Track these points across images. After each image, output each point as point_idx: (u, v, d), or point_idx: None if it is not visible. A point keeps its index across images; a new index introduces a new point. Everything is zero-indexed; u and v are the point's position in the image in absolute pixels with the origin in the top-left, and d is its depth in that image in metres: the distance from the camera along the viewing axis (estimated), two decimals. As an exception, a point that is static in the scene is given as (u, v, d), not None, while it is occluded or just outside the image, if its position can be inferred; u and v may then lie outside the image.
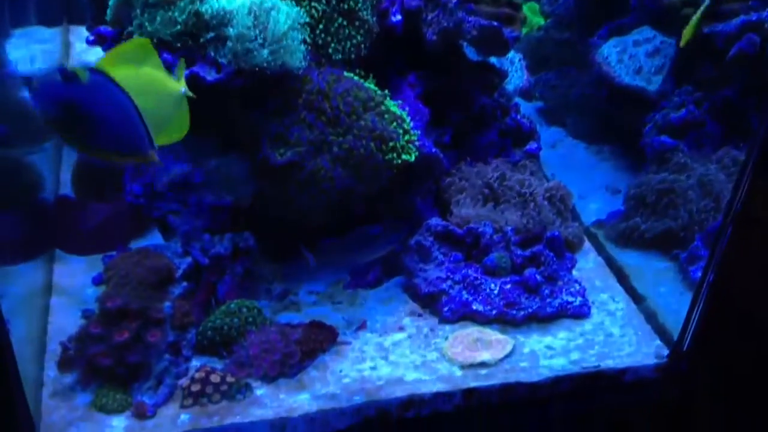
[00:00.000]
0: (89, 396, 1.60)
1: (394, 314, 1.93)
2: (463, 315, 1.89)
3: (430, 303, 1.93)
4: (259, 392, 1.65)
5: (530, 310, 1.88)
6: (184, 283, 1.75)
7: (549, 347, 1.83)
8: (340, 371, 1.73)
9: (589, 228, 2.25)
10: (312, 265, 1.84)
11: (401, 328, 1.88)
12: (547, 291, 1.91)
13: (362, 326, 1.88)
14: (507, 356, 1.78)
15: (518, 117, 2.33)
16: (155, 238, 1.99)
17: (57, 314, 1.90)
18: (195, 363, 1.71)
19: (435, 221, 2.00)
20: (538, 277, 1.91)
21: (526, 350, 1.81)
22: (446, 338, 1.83)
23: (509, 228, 1.98)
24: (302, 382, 1.69)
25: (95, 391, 1.59)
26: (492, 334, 1.84)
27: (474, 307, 1.88)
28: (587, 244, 2.20)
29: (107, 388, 1.59)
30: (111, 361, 1.57)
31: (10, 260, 1.86)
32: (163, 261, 1.73)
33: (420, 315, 1.93)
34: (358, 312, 1.94)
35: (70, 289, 2.01)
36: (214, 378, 1.62)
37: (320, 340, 1.75)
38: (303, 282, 2.03)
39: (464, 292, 1.90)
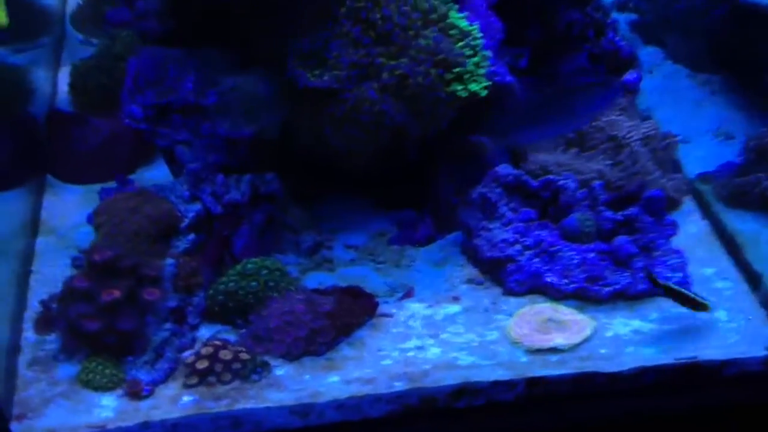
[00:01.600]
0: (75, 367, 1.50)
1: (447, 281, 1.80)
2: (533, 287, 1.75)
3: (493, 270, 1.79)
4: (279, 372, 1.55)
5: (618, 287, 1.71)
6: (192, 236, 1.63)
7: (637, 332, 1.67)
8: (379, 350, 1.61)
9: (692, 182, 2.02)
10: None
11: (456, 299, 1.76)
12: (639, 264, 1.73)
13: (408, 294, 1.76)
14: (585, 341, 1.64)
15: (616, 38, 2.03)
16: (165, 168, 1.86)
17: (43, 260, 1.75)
18: (203, 333, 1.62)
19: (504, 168, 1.83)
20: (631, 247, 1.73)
21: (608, 334, 1.66)
22: (511, 315, 1.70)
23: (597, 183, 1.80)
24: (332, 362, 1.58)
25: (82, 363, 1.49)
26: (568, 312, 1.70)
27: (547, 279, 1.73)
28: (689, 202, 1.99)
29: (95, 360, 1.48)
30: (99, 326, 1.47)
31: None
32: (166, 207, 1.57)
33: (480, 283, 1.79)
34: (404, 276, 1.81)
35: (61, 227, 1.86)
36: (225, 354, 1.51)
37: (356, 314, 1.62)
38: (339, 233, 1.90)
39: (536, 260, 1.75)
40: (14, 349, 1.50)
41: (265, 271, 1.61)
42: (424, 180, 1.88)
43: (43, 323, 1.50)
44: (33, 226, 1.82)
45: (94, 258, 1.44)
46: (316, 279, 1.76)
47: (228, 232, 1.66)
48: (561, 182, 1.80)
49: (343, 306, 1.60)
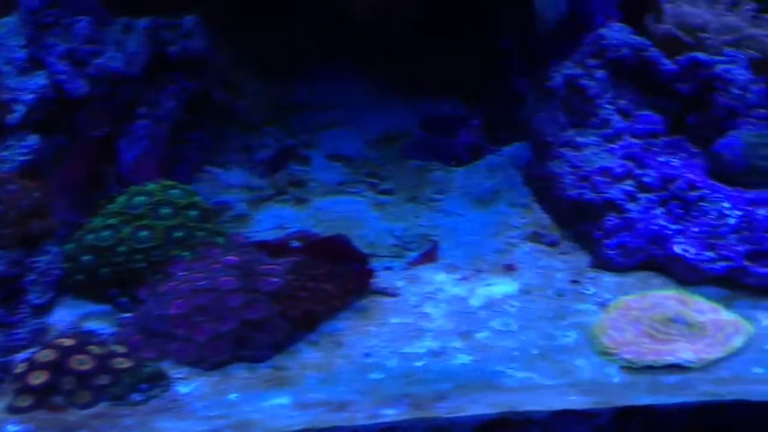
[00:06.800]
0: None
1: (498, 233, 1.51)
2: (649, 260, 1.44)
3: (580, 221, 1.49)
4: (183, 389, 1.23)
5: None
6: (33, 139, 1.24)
7: None
8: (366, 355, 1.30)
9: None
10: None
11: (510, 269, 1.45)
12: None
13: (429, 256, 1.44)
14: (730, 355, 1.35)
15: None
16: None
17: None
18: (60, 318, 1.29)
19: (616, 32, 1.48)
20: None
21: None
22: (603, 306, 1.42)
23: None
24: (281, 374, 1.27)
25: None
26: (706, 308, 1.39)
27: (676, 249, 1.40)
28: None
29: None
30: None
31: None
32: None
33: (553, 243, 1.50)
34: (426, 219, 1.51)
35: None
36: (80, 361, 1.14)
37: (330, 293, 1.25)
38: (323, 133, 1.56)
39: (659, 212, 1.43)
40: None
41: (166, 209, 1.25)
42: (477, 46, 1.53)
43: None
44: None
45: None
46: (276, 216, 1.46)
47: (105, 131, 1.27)
48: (721, 69, 1.42)
49: (305, 277, 1.26)
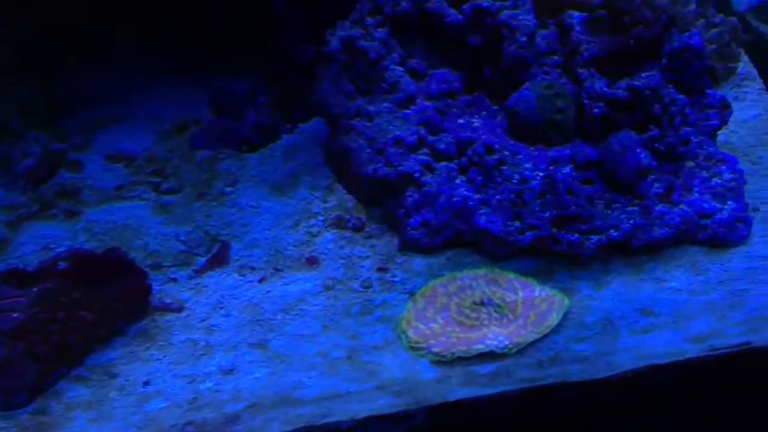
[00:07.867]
0: None
1: (296, 222, 1.38)
2: (455, 237, 1.33)
3: (384, 197, 1.37)
4: None
5: (614, 234, 1.30)
6: None
7: (645, 309, 1.32)
8: (146, 382, 1.17)
9: (745, 16, 1.78)
10: None
11: (313, 263, 1.32)
12: (660, 188, 1.34)
13: (218, 258, 1.31)
14: (546, 335, 1.28)
15: None
16: None
17: None
18: None
19: None
20: (643, 154, 1.32)
21: (591, 317, 1.30)
22: (411, 295, 1.31)
23: (578, 17, 1.37)
24: (42, 417, 1.12)
25: None
26: (520, 286, 1.31)
27: (481, 222, 1.28)
28: (745, 61, 1.72)
29: None
30: None
31: None
32: None
33: (357, 228, 1.37)
34: (214, 215, 1.36)
35: None
36: None
37: (91, 321, 1.11)
38: (100, 132, 1.42)
39: (460, 181, 1.31)
40: None
41: None
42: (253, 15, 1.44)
43: None
44: None
45: None
46: (41, 236, 1.30)
47: None
48: (506, 15, 1.31)
49: (56, 307, 1.10)
